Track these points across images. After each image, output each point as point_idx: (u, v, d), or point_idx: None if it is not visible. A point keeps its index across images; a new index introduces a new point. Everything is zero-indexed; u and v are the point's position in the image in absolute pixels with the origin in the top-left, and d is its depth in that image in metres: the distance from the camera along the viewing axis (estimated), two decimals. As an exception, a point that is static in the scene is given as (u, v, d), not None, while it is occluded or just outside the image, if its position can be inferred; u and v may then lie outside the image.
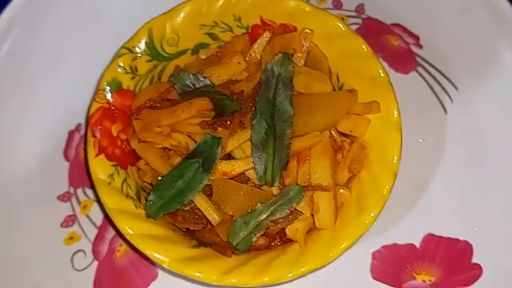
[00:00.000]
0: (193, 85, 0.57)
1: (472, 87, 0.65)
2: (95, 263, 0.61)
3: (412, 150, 0.60)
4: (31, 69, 0.65)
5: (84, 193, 0.63)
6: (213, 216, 0.54)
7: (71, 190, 0.63)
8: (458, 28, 0.66)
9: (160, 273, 0.61)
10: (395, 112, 0.56)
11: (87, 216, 0.63)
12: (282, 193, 0.54)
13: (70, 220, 0.62)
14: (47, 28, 0.66)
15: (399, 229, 0.61)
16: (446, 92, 0.65)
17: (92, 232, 0.62)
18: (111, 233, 0.62)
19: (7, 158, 0.63)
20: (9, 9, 0.65)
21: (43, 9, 0.66)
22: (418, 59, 0.66)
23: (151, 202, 0.54)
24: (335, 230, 0.55)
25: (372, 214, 0.54)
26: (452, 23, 0.66)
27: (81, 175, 0.63)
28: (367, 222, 0.54)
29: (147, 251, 0.53)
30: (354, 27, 0.67)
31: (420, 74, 0.66)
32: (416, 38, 0.67)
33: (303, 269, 0.53)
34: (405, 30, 0.67)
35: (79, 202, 0.63)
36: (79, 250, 0.61)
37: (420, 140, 0.64)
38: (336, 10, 0.67)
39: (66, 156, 0.64)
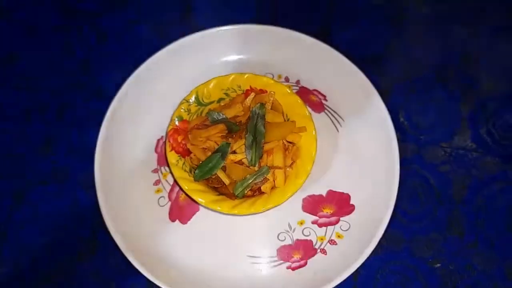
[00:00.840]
0: (217, 118, 0.58)
1: (351, 120, 0.64)
2: (169, 203, 0.60)
3: (321, 150, 0.60)
4: (142, 113, 0.64)
5: (164, 169, 0.62)
6: (226, 180, 0.55)
7: (158, 167, 0.62)
8: (344, 91, 0.65)
9: (200, 208, 0.60)
10: (314, 132, 0.57)
11: (166, 180, 0.62)
12: (259, 170, 0.55)
13: (157, 182, 0.61)
14: (147, 95, 0.65)
15: (316, 186, 0.60)
16: (338, 122, 0.65)
17: (168, 188, 0.61)
18: (177, 188, 0.61)
19: (128, 153, 0.62)
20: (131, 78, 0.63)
21: (141, 86, 0.64)
22: (325, 106, 0.66)
23: (196, 173, 0.55)
24: (285, 188, 0.55)
25: (301, 180, 0.55)
26: (341, 89, 0.65)
27: (163, 160, 0.62)
28: (298, 184, 0.54)
29: (194, 197, 0.53)
30: (296, 90, 0.66)
31: (326, 113, 0.65)
32: (324, 96, 0.67)
33: (269, 206, 0.54)
34: (319, 92, 0.67)
35: (161, 173, 0.62)
36: (161, 196, 0.60)
37: (325, 144, 0.63)
38: (286, 82, 0.67)
39: (156, 151, 0.63)
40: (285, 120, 0.59)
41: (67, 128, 0.65)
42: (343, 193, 0.60)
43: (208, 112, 0.59)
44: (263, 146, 0.56)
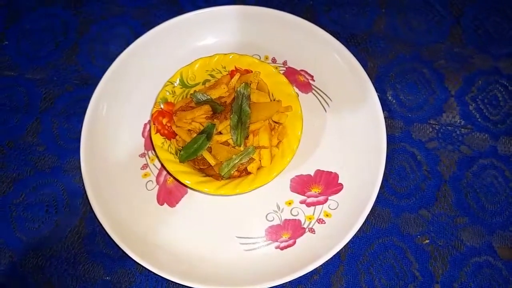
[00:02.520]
0: (202, 99, 0.57)
1: (339, 101, 0.64)
2: (157, 186, 0.60)
3: (308, 130, 0.60)
4: (128, 97, 0.64)
5: (151, 153, 0.62)
6: (212, 161, 0.55)
7: (145, 151, 0.62)
8: (332, 71, 0.65)
9: (189, 190, 0.60)
10: (299, 111, 0.57)
11: (153, 164, 0.62)
12: (245, 150, 0.55)
13: (145, 166, 0.61)
14: (133, 77, 0.64)
15: (304, 167, 0.60)
16: (326, 102, 0.64)
17: (155, 171, 0.61)
18: (164, 172, 0.61)
19: (117, 138, 0.61)
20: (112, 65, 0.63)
21: (123, 75, 0.63)
22: (312, 86, 0.65)
23: (181, 155, 0.55)
24: (271, 167, 0.55)
25: (288, 159, 0.55)
26: (328, 69, 0.65)
27: (150, 144, 0.62)
28: (285, 163, 0.54)
29: (179, 178, 0.53)
30: (282, 71, 0.66)
31: (313, 93, 0.65)
32: (311, 76, 0.66)
33: (255, 185, 0.54)
34: (307, 72, 0.67)
35: (149, 157, 0.62)
36: (149, 180, 0.60)
37: (313, 124, 0.63)
38: (273, 63, 0.67)
39: (143, 135, 0.63)
40: (271, 100, 0.59)
41: (53, 116, 0.64)
42: (331, 172, 0.60)
43: (193, 93, 0.58)
44: (249, 126, 0.56)
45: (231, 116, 0.55)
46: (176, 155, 0.56)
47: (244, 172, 0.56)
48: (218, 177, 0.55)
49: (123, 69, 0.63)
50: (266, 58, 0.67)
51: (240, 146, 0.55)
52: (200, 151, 0.55)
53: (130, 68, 0.63)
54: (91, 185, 0.57)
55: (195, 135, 0.56)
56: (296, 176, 0.60)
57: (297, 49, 0.65)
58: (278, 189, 0.59)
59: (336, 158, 0.60)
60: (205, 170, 0.56)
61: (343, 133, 0.62)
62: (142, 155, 0.62)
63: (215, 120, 0.56)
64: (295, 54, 0.65)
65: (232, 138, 0.55)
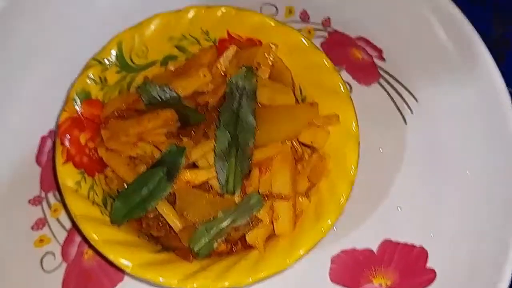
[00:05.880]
0: (160, 96, 0.57)
1: (431, 100, 0.65)
2: (64, 264, 0.60)
3: (372, 158, 0.61)
4: (2, 73, 0.65)
5: (55, 197, 0.63)
6: (176, 223, 0.54)
7: (42, 194, 0.63)
8: (419, 43, 0.66)
9: (126, 278, 0.60)
10: (354, 125, 0.56)
11: (57, 219, 0.62)
12: (243, 202, 0.54)
13: (40, 223, 0.62)
14: (19, 34, 0.65)
15: (358, 234, 0.61)
16: (407, 104, 0.65)
17: (62, 235, 0.61)
18: (79, 237, 0.61)
19: None
20: None
21: (17, 15, 0.65)
22: (380, 71, 0.66)
23: (116, 209, 0.54)
24: (293, 237, 0.54)
25: (329, 222, 0.54)
26: (413, 39, 0.66)
27: (53, 179, 0.62)
28: (323, 229, 0.54)
29: (111, 256, 0.53)
30: (321, 40, 0.67)
31: (382, 85, 0.66)
32: (379, 51, 0.67)
33: (262, 274, 0.53)
34: (369, 43, 0.67)
35: (49, 206, 0.62)
36: (48, 252, 0.61)
37: (380, 149, 0.64)
38: (303, 23, 0.67)
39: (38, 161, 0.64)
40: (297, 102, 0.59)
41: None
42: (413, 246, 0.61)
43: (143, 84, 0.58)
44: (252, 154, 0.55)
45: (216, 132, 0.55)
46: (106, 208, 0.56)
47: (239, 246, 0.56)
48: (186, 254, 0.54)
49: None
50: (290, 12, 0.67)
51: (233, 194, 0.55)
52: (153, 202, 0.54)
53: (15, 20, 0.65)
54: None
55: (144, 168, 0.56)
56: (343, 252, 0.60)
57: None
58: (306, 278, 0.59)
59: (424, 215, 0.61)
60: (162, 239, 0.56)
61: (440, 163, 0.63)
62: (36, 201, 0.62)
63: (184, 139, 0.55)
64: (348, 5, 0.67)
65: (217, 178, 0.55)
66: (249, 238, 0.55)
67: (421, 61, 0.66)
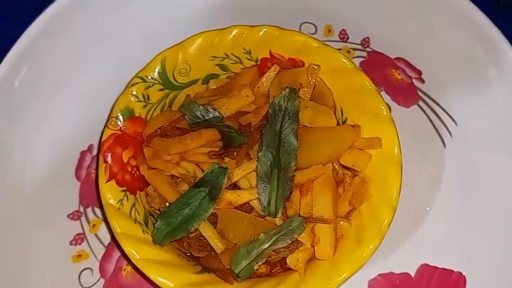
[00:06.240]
0: (203, 116, 0.57)
1: (471, 124, 0.65)
2: (102, 281, 0.61)
3: (410, 181, 0.61)
4: (46, 89, 0.65)
5: (94, 212, 0.63)
6: (217, 244, 0.54)
7: (81, 209, 0.63)
8: (459, 65, 0.66)
9: None
10: (396, 149, 0.56)
11: (96, 235, 0.62)
12: (285, 224, 0.54)
13: (79, 238, 0.62)
14: (61, 50, 0.66)
15: (395, 258, 0.61)
16: (446, 127, 0.65)
17: (100, 251, 0.62)
18: (118, 252, 0.62)
19: (19, 174, 0.63)
20: (28, 31, 0.65)
21: (61, 31, 0.66)
22: (419, 93, 0.66)
23: (158, 229, 0.54)
24: (334, 261, 0.54)
25: (370, 247, 0.54)
26: (453, 61, 0.66)
27: (92, 195, 0.63)
28: (365, 254, 0.54)
29: (152, 276, 0.53)
30: (359, 60, 0.67)
31: (421, 108, 0.66)
32: (419, 72, 0.67)
33: None
34: (408, 64, 0.67)
35: (88, 221, 0.63)
36: (86, 268, 0.61)
37: (418, 172, 0.64)
38: (342, 43, 0.68)
39: (77, 175, 0.64)
40: (338, 123, 0.59)
41: None
42: (451, 271, 0.61)
43: (185, 104, 0.58)
44: (294, 176, 0.55)
45: (259, 153, 0.55)
46: (147, 225, 0.56)
47: (280, 268, 0.56)
48: (227, 275, 0.54)
49: (49, 37, 0.65)
50: (328, 32, 0.67)
51: (275, 216, 0.55)
52: (195, 223, 0.54)
53: (62, 37, 0.65)
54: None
55: (186, 187, 0.56)
56: (380, 275, 0.60)
57: (391, 16, 0.67)
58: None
59: (462, 243, 0.61)
60: (202, 260, 0.56)
61: (477, 193, 0.63)
62: (74, 216, 0.63)
63: (226, 159, 0.55)
64: (386, 24, 0.67)
65: (259, 199, 0.55)
66: (290, 261, 0.55)
67: (461, 83, 0.66)
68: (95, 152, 0.65)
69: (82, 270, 0.61)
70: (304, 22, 0.68)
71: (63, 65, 0.66)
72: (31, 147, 0.64)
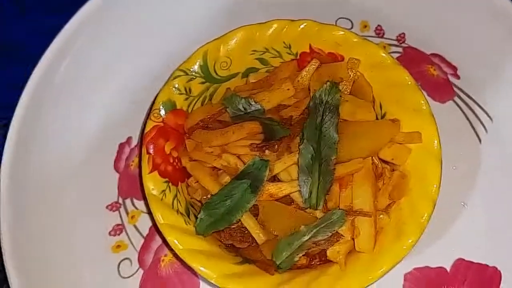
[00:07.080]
0: (245, 109, 0.58)
1: (506, 120, 0.65)
2: (140, 271, 0.61)
3: (445, 176, 0.60)
4: (85, 84, 0.66)
5: (133, 203, 0.64)
6: (259, 236, 0.55)
7: (120, 200, 0.64)
8: (496, 61, 0.66)
9: (202, 284, 0.61)
10: (436, 143, 0.56)
11: (135, 226, 0.63)
12: (325, 217, 0.54)
13: (118, 229, 0.63)
14: (104, 42, 0.67)
15: (431, 252, 0.61)
16: (481, 123, 0.65)
17: (139, 242, 0.62)
18: (156, 243, 0.62)
19: (59, 166, 0.64)
20: (71, 23, 0.65)
21: (101, 23, 0.66)
22: (455, 89, 0.66)
23: (201, 220, 0.55)
24: (374, 254, 0.55)
25: (410, 241, 0.54)
26: (488, 57, 0.66)
27: (130, 186, 0.64)
28: (405, 247, 0.54)
29: (194, 265, 0.54)
30: (395, 55, 0.67)
31: (456, 103, 0.66)
32: (454, 68, 0.67)
33: None
34: (443, 60, 0.67)
35: (127, 212, 0.63)
36: (125, 258, 0.62)
37: (453, 167, 0.63)
38: (378, 38, 0.68)
39: (116, 167, 0.65)
40: (377, 117, 0.59)
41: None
42: (486, 266, 0.60)
43: (229, 96, 0.58)
44: (334, 169, 0.55)
45: (300, 146, 0.55)
46: (188, 216, 0.57)
47: (318, 260, 0.56)
48: (268, 266, 0.55)
49: (85, 35, 0.65)
50: (365, 27, 0.68)
51: (316, 209, 0.55)
52: (238, 214, 0.55)
53: (99, 35, 0.66)
54: (13, 260, 0.58)
55: (227, 179, 0.56)
56: (416, 269, 0.60)
57: (427, 10, 0.67)
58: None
59: (498, 238, 0.61)
60: (243, 251, 0.56)
61: None
62: (113, 208, 0.63)
63: (267, 152, 0.56)
64: (422, 19, 0.67)
65: (300, 192, 0.55)
66: (330, 253, 0.55)
67: (496, 79, 0.66)
68: (133, 144, 0.65)
69: (121, 261, 0.62)
70: (340, 18, 0.68)
71: (101, 57, 0.66)
72: (69, 139, 0.65)
